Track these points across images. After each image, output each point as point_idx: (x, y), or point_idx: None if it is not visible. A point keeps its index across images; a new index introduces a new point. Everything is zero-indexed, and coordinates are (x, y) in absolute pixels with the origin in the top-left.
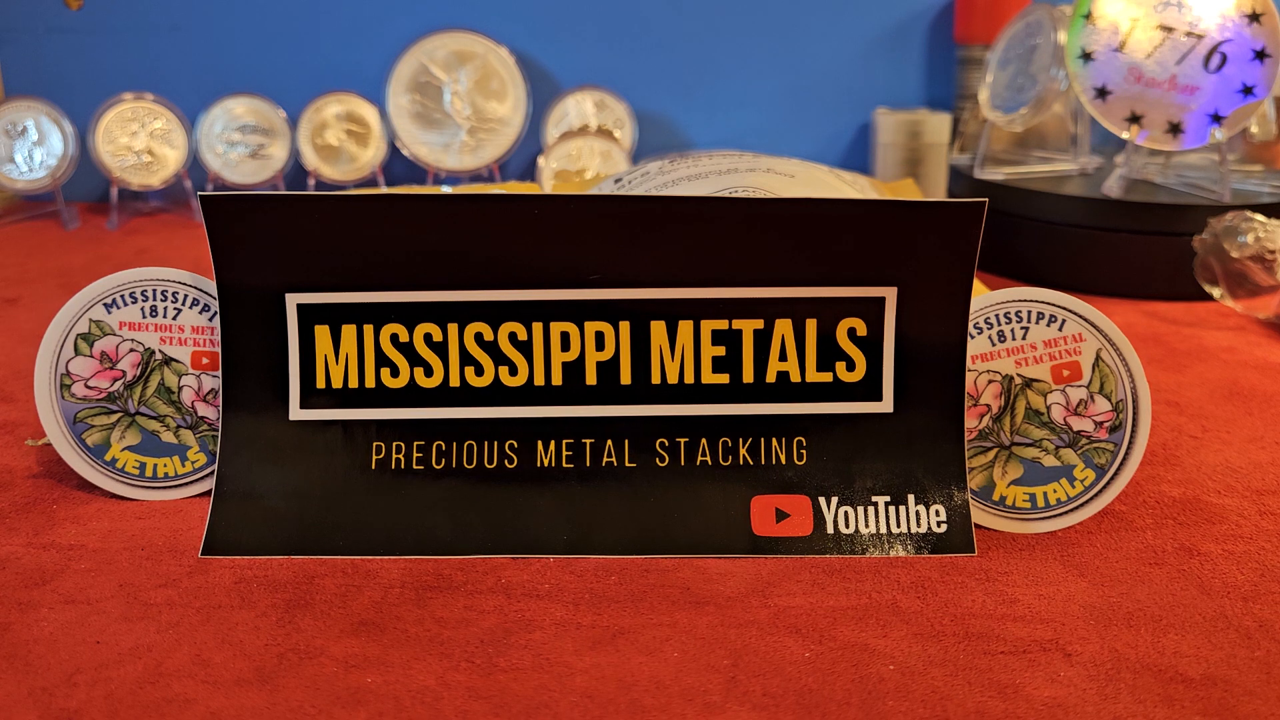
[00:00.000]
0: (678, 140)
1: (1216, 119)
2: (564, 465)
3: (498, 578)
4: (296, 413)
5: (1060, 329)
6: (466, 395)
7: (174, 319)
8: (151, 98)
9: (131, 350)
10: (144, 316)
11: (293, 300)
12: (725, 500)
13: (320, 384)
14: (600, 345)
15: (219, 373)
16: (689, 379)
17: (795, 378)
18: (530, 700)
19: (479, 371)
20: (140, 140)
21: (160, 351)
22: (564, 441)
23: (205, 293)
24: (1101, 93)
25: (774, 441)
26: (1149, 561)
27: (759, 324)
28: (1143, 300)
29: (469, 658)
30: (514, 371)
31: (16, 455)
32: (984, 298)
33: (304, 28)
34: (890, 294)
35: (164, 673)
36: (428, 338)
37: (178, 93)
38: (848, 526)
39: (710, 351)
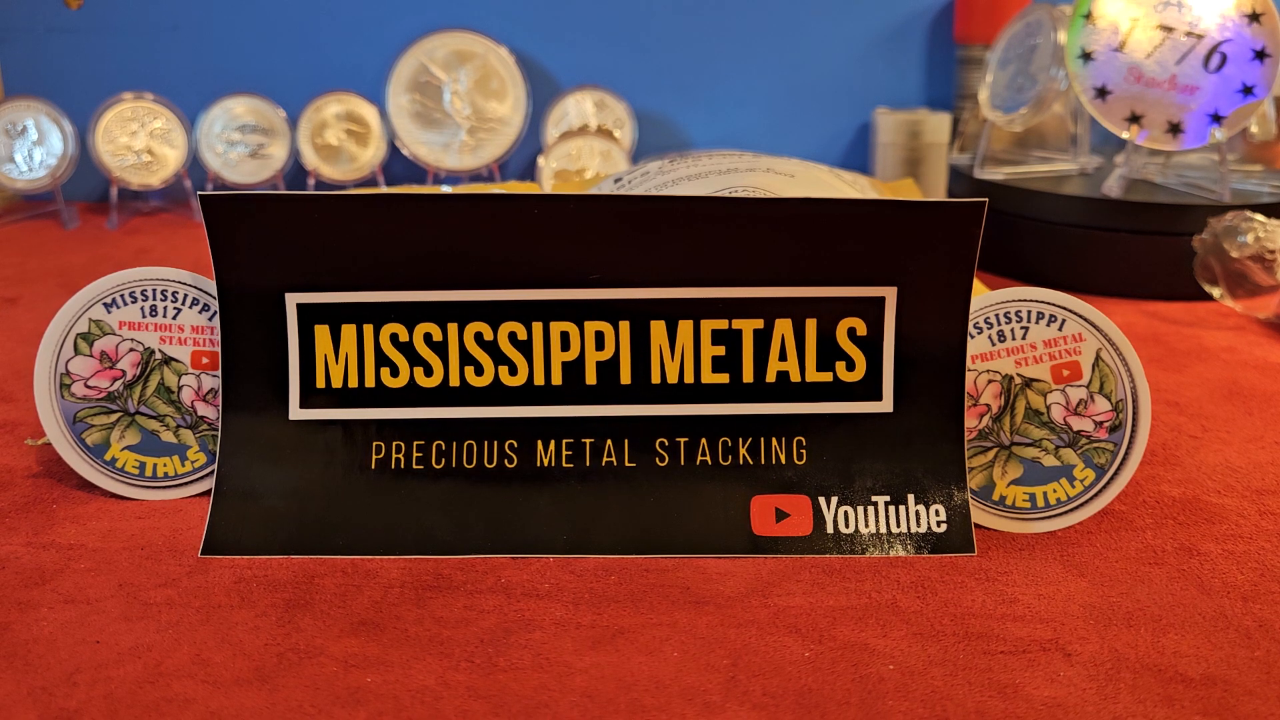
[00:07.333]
0: (678, 140)
1: (1216, 119)
2: (564, 465)
3: (498, 578)
4: (296, 412)
5: (1060, 329)
6: (466, 395)
7: (174, 319)
8: (151, 97)
9: (131, 350)
10: (144, 316)
11: (292, 300)
12: (725, 500)
13: (320, 384)
14: (600, 345)
15: (219, 372)
16: (689, 379)
17: (795, 377)
18: (530, 700)
19: (479, 371)
20: (140, 140)
21: (160, 351)
22: (564, 441)
23: (205, 292)
24: (1101, 93)
25: (774, 441)
26: (1149, 561)
27: (759, 324)
28: (1143, 300)
29: (469, 658)
30: (514, 371)
31: (16, 455)
32: (984, 298)
33: (304, 28)
34: (890, 294)
35: (164, 672)
36: (427, 337)
37: (178, 92)
38: (847, 526)
39: (710, 351)
